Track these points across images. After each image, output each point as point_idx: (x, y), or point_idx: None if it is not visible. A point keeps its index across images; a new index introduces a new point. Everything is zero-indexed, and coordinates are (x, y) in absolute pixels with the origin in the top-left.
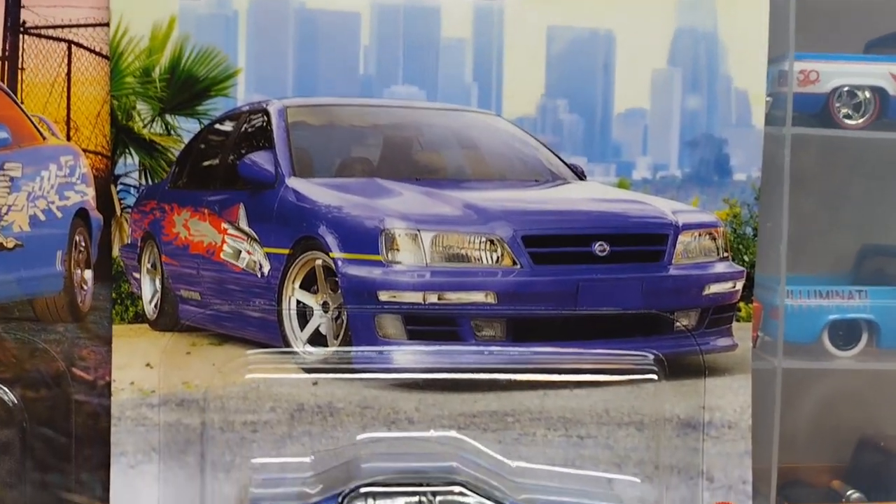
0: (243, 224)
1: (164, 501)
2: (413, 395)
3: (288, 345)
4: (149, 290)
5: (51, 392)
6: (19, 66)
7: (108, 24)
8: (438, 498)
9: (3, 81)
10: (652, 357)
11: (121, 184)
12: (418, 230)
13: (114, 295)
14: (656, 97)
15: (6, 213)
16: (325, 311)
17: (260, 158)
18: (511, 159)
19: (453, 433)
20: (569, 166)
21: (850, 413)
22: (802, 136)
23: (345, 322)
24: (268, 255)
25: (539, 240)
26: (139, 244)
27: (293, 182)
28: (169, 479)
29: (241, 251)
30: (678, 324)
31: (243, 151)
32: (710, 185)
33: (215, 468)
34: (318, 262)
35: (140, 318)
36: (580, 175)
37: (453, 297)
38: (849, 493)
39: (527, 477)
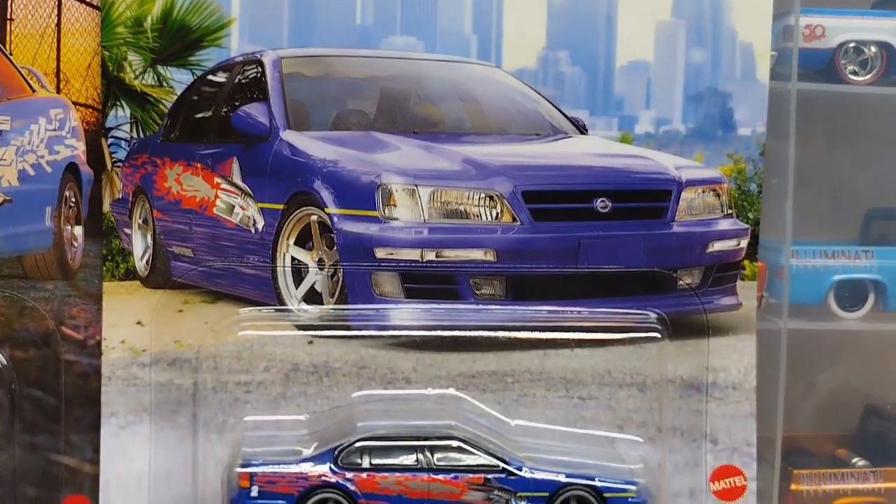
0: (237, 178)
1: (155, 463)
2: (410, 354)
3: (282, 303)
4: (140, 246)
5: (40, 352)
6: (8, 16)
7: None
8: (437, 455)
9: None
10: (654, 316)
11: (112, 137)
12: (416, 185)
13: (104, 251)
14: (660, 50)
15: None
16: (321, 269)
17: (254, 111)
18: (511, 112)
19: (452, 391)
20: (570, 120)
21: (856, 378)
22: (808, 94)
23: (341, 280)
24: (262, 211)
25: (539, 195)
26: (130, 199)
27: (288, 135)
28: (160, 441)
29: (234, 206)
30: (681, 282)
31: (237, 104)
32: (714, 140)
33: (208, 429)
34: (314, 217)
35: (131, 274)
36: (582, 129)
37: (452, 254)
38: (854, 460)
39: (527, 436)
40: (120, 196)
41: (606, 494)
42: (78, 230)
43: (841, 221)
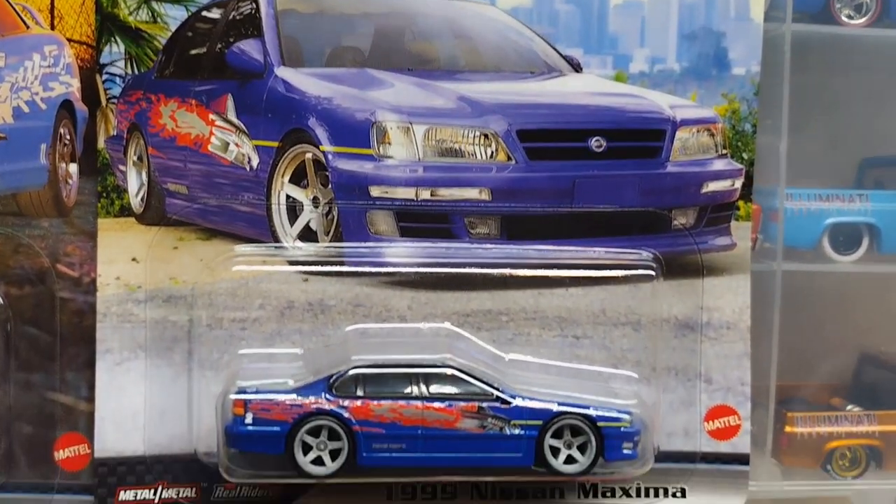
0: (231, 115)
1: (150, 400)
2: (405, 293)
3: (277, 241)
4: (135, 183)
5: (35, 289)
6: None
7: None
8: (431, 383)
9: None
10: (649, 256)
11: (106, 73)
12: (410, 123)
13: (99, 188)
14: None
15: None
16: (316, 207)
17: (248, 47)
18: (506, 50)
19: (447, 324)
20: (565, 58)
21: (850, 325)
22: (803, 36)
23: (336, 218)
24: (256, 148)
25: (534, 134)
26: (125, 136)
27: (282, 72)
28: (155, 378)
29: (229, 143)
30: (676, 222)
31: (231, 40)
32: (709, 79)
33: (203, 366)
34: (308, 155)
35: (126, 211)
36: (576, 67)
37: (446, 193)
38: (848, 407)
39: (521, 370)
40: (115, 133)
41: (600, 423)
42: (73, 167)
43: (836, 169)
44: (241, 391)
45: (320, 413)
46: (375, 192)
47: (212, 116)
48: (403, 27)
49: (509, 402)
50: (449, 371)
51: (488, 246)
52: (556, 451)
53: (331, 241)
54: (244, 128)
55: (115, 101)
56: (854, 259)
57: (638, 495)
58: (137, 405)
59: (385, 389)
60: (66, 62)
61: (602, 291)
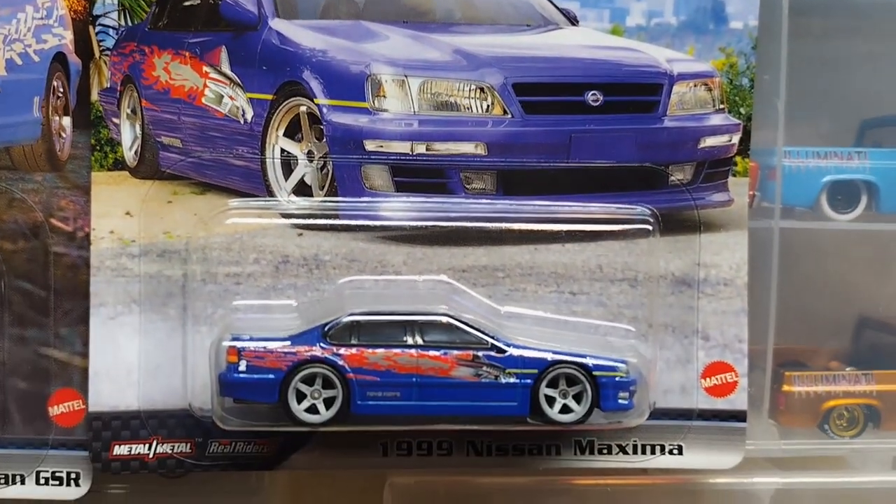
0: (225, 68)
1: (144, 354)
2: (401, 248)
3: (272, 195)
4: (129, 136)
5: (29, 244)
6: None
7: None
8: (426, 332)
9: None
10: (646, 211)
11: (99, 24)
12: (405, 76)
13: (93, 141)
14: None
15: None
16: (310, 161)
17: None
18: (502, 3)
19: (443, 276)
20: (561, 11)
21: (849, 285)
22: None
23: (330, 172)
24: (250, 101)
25: (530, 88)
26: (119, 88)
27: (276, 24)
28: (150, 332)
29: (223, 96)
30: (673, 178)
31: None
32: (706, 33)
33: (197, 321)
34: (303, 108)
35: (120, 165)
36: (572, 20)
37: (442, 147)
38: (847, 369)
39: (517, 322)
40: (108, 85)
41: (596, 373)
42: (66, 121)
43: (835, 129)
44: (235, 338)
45: (314, 361)
46: (370, 146)
47: (206, 69)
48: None
49: (504, 351)
50: (444, 319)
51: (484, 201)
52: (551, 401)
53: (326, 196)
54: (238, 80)
55: (108, 53)
56: (852, 218)
57: (634, 452)
58: (131, 360)
59: (380, 337)
60: (59, 14)
61: (598, 247)
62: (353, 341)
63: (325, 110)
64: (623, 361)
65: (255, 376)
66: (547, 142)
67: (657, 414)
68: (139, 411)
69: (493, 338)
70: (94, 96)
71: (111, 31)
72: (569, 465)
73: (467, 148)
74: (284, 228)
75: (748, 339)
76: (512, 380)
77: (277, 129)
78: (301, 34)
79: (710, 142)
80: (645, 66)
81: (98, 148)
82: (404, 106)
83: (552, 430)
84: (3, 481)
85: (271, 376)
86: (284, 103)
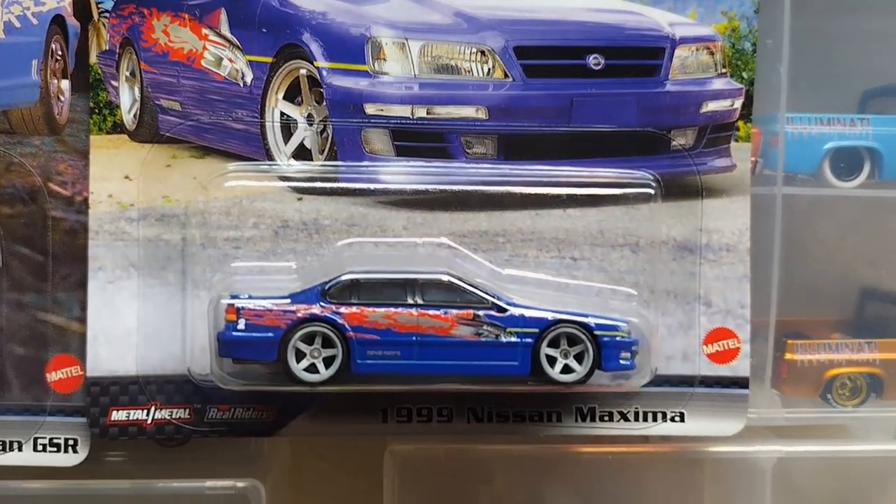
0: (225, 30)
1: (143, 319)
2: (401, 213)
3: (271, 159)
4: (128, 99)
5: (27, 208)
6: None
7: None
8: (426, 291)
9: None
10: (648, 177)
11: None
12: (406, 39)
13: (91, 104)
14: None
15: None
16: (310, 125)
17: None
18: None
19: (444, 239)
20: None
21: (852, 253)
22: None
23: (330, 136)
24: (250, 64)
25: (531, 51)
26: (117, 51)
27: None
28: (148, 297)
29: (222, 59)
30: (675, 143)
31: None
32: None
33: (196, 286)
34: (303, 71)
35: (118, 128)
36: None
37: (442, 111)
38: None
39: (518, 284)
40: (107, 48)
41: (597, 332)
42: (65, 84)
43: (838, 97)
44: (234, 296)
45: (314, 319)
46: (370, 109)
47: (205, 31)
48: None
49: (505, 310)
50: (445, 278)
51: (485, 165)
52: (552, 361)
53: (325, 160)
54: (238, 43)
55: (107, 15)
56: (855, 185)
57: (636, 419)
58: (130, 324)
59: (380, 296)
60: None
61: (600, 213)
62: (353, 300)
63: (324, 73)
64: (625, 321)
65: (254, 335)
66: (548, 106)
67: (659, 381)
68: (137, 377)
69: (493, 297)
70: (93, 59)
71: None
72: (570, 433)
73: (468, 112)
74: (284, 193)
75: (750, 308)
76: (512, 339)
77: (277, 92)
78: None
79: (712, 106)
80: (647, 29)
81: (97, 111)
82: (405, 69)
83: (553, 393)
84: (0, 448)
85: (270, 335)
86: (284, 66)
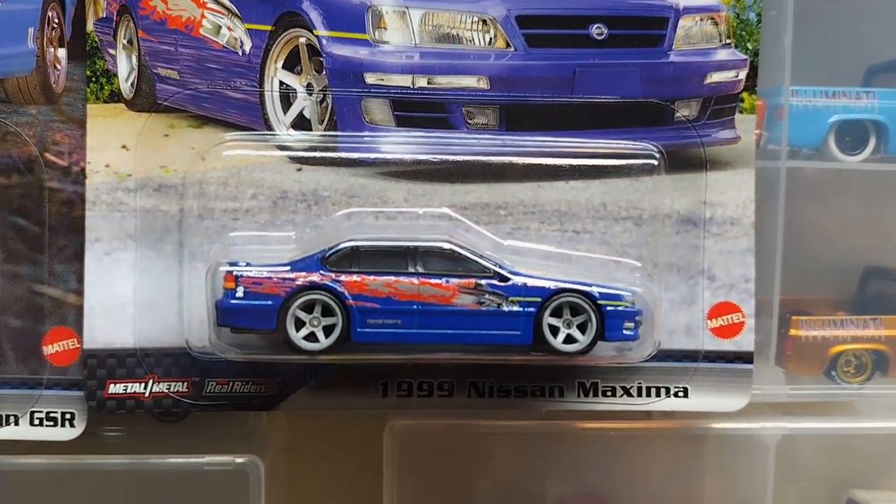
0: None
1: (140, 291)
2: (402, 184)
3: (270, 129)
4: (125, 67)
5: (23, 178)
6: None
7: None
8: (427, 260)
9: None
10: (651, 148)
11: None
12: (406, 7)
13: (88, 73)
14: None
15: None
16: (310, 94)
17: None
18: None
19: (445, 209)
20: None
21: (855, 231)
22: None
23: (330, 106)
24: (249, 32)
25: (534, 20)
26: (115, 18)
27: None
28: (145, 268)
29: (221, 27)
30: (678, 114)
31: None
32: None
33: (194, 257)
34: (302, 40)
35: (116, 97)
36: None
37: (444, 81)
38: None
39: (520, 255)
40: (104, 15)
41: (601, 302)
42: (61, 52)
43: (843, 70)
44: (233, 263)
45: (314, 287)
46: (370, 79)
47: None
48: None
49: (507, 279)
50: (446, 246)
51: (486, 136)
52: (555, 330)
53: (325, 130)
54: (236, 10)
55: None
56: (860, 159)
57: (639, 394)
58: (127, 296)
59: (380, 264)
60: None
61: (603, 185)
62: (354, 268)
63: (324, 42)
64: (629, 291)
65: (253, 302)
66: (550, 76)
67: (662, 356)
68: (135, 349)
69: (496, 265)
70: (90, 27)
71: None
72: (572, 407)
73: (469, 82)
74: (283, 163)
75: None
76: (515, 308)
77: (276, 61)
78: None
79: (716, 77)
80: None
81: (94, 80)
82: (405, 38)
83: (555, 368)
84: None
85: (269, 303)
86: (283, 34)
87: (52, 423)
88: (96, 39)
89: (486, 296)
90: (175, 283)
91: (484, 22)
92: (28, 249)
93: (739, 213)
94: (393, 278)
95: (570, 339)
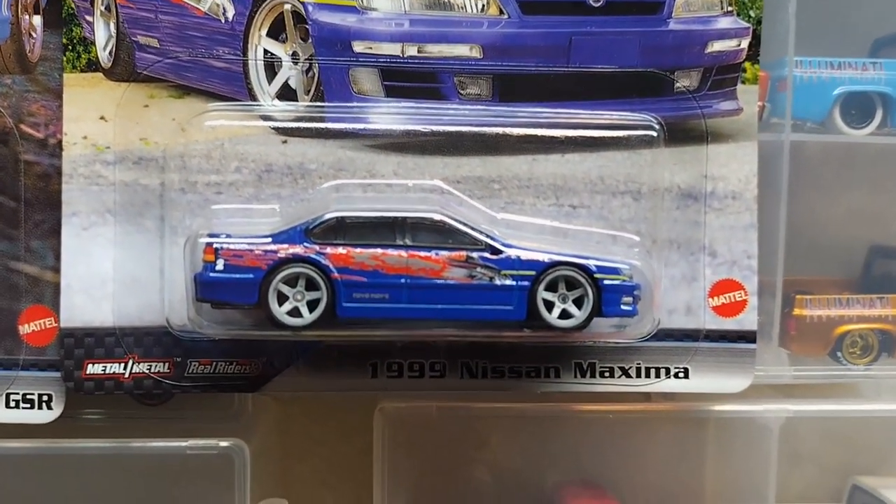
0: None
1: (120, 267)
2: (391, 157)
3: (254, 99)
4: (103, 35)
5: None
6: None
7: None
8: (417, 231)
9: None
10: (650, 120)
11: None
12: None
13: (64, 40)
14: None
15: None
16: (295, 63)
17: None
18: None
19: (438, 182)
20: None
21: (860, 207)
22: None
23: (316, 75)
24: None
25: None
26: None
27: None
28: (125, 244)
29: None
30: (678, 84)
31: None
32: None
33: (175, 233)
34: (287, 6)
35: (93, 66)
36: None
37: (435, 49)
38: None
39: (514, 229)
40: None
41: (598, 275)
42: (37, 20)
43: (848, 40)
44: (212, 235)
45: (297, 260)
46: (359, 47)
47: None
48: None
49: (500, 252)
50: (436, 217)
51: (479, 107)
52: (549, 305)
53: (311, 101)
54: None
55: None
56: (866, 133)
57: (638, 375)
58: (106, 273)
59: (367, 236)
60: None
61: (600, 158)
62: (339, 240)
63: (310, 8)
64: (626, 264)
65: (234, 276)
66: (545, 44)
67: (662, 335)
68: (114, 328)
69: (488, 237)
70: None
71: None
72: (568, 389)
73: (461, 50)
74: (268, 135)
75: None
76: (508, 282)
77: (260, 29)
78: None
79: (717, 46)
80: None
81: (70, 48)
82: (395, 4)
83: (551, 347)
84: None
85: (250, 276)
86: (268, 1)
87: (28, 406)
88: (73, 6)
89: (478, 269)
90: (156, 259)
91: None
92: (3, 225)
93: (741, 188)
94: (380, 251)
95: (565, 315)
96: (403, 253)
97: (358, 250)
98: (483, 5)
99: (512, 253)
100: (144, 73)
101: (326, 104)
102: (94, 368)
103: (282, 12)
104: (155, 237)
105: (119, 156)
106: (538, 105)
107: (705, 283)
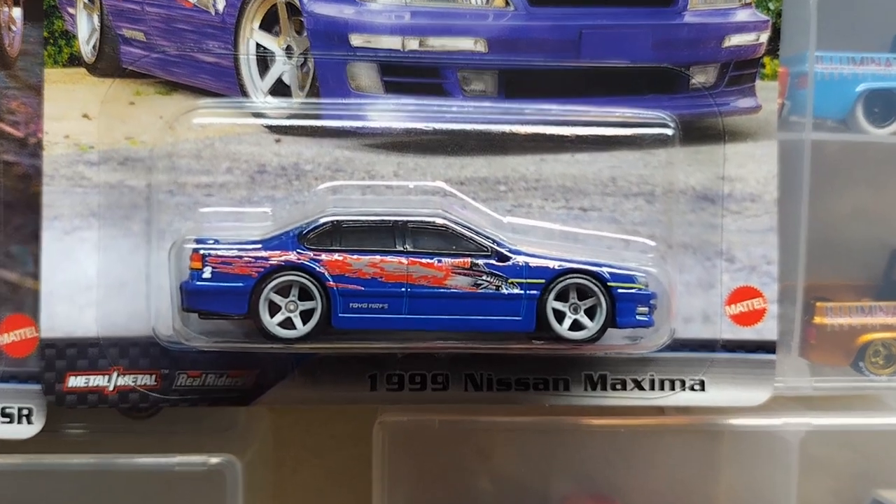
0: None
1: (103, 274)
2: (391, 157)
3: (246, 95)
4: (86, 28)
5: None
6: None
7: None
8: (418, 237)
9: None
10: (664, 118)
11: None
12: None
13: (45, 34)
14: None
15: None
16: (289, 58)
17: None
18: None
19: (440, 183)
20: None
21: (884, 213)
22: None
23: (312, 71)
24: None
25: None
26: None
27: None
28: (110, 249)
29: None
30: (694, 80)
31: None
32: None
33: (163, 237)
34: None
35: (76, 60)
36: None
37: (437, 43)
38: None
39: (522, 234)
40: None
41: (611, 284)
42: (16, 12)
43: (871, 35)
44: (200, 240)
45: (289, 267)
46: (356, 40)
47: None
48: None
49: (507, 259)
50: (439, 221)
51: (484, 104)
52: (560, 316)
53: (306, 98)
54: None
55: None
56: (891, 131)
57: (651, 388)
58: (90, 279)
59: (365, 242)
60: None
61: (611, 158)
62: (335, 246)
63: (305, 0)
64: (642, 272)
65: (222, 284)
66: (554, 38)
67: (677, 345)
68: (98, 338)
69: (494, 243)
70: None
71: None
72: (578, 402)
73: (465, 44)
74: (260, 133)
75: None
76: (515, 291)
77: (252, 22)
78: None
79: (735, 40)
80: None
81: (52, 42)
82: None
83: (560, 358)
84: None
85: (240, 285)
86: None
87: (7, 420)
88: None
89: (483, 277)
90: (142, 265)
91: None
92: None
93: (761, 189)
94: (379, 257)
95: (577, 326)
96: (404, 260)
97: (355, 257)
98: None
99: (520, 259)
100: (130, 68)
101: (322, 101)
102: (76, 381)
103: (275, 4)
104: (141, 242)
105: (103, 156)
106: (546, 102)
107: (722, 290)
